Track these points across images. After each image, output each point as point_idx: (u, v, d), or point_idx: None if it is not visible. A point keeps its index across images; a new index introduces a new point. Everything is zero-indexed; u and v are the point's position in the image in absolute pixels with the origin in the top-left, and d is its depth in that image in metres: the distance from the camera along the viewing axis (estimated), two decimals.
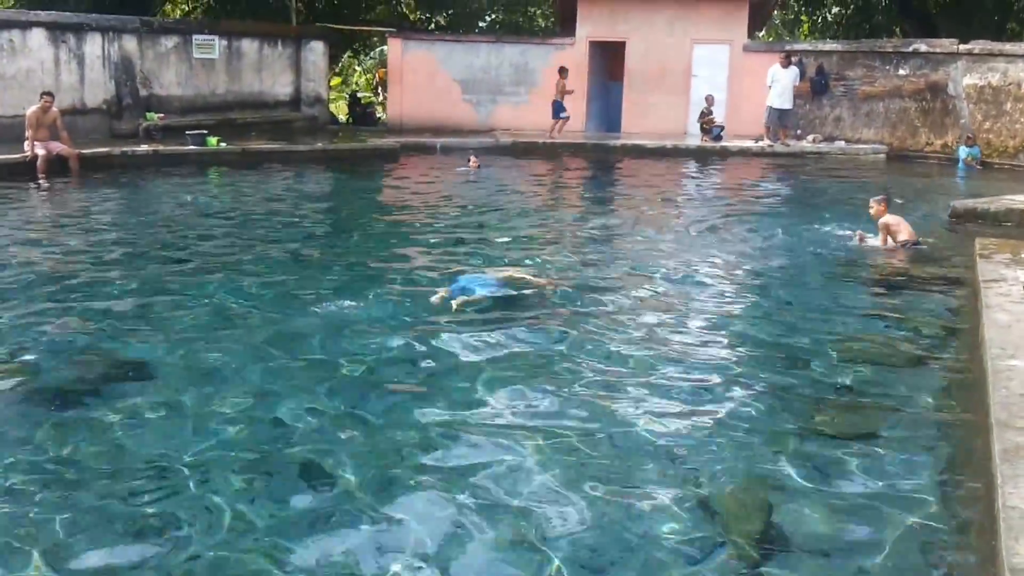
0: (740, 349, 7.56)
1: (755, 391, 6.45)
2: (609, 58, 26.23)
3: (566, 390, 6.35)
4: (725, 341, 7.74)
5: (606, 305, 8.72)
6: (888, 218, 11.31)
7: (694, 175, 20.57)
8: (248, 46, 25.23)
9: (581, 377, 6.63)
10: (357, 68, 44.44)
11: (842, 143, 23.25)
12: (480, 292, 8.54)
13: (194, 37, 23.91)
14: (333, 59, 39.45)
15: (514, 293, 8.72)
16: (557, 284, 9.23)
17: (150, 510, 4.66)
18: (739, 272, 10.40)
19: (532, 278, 9.15)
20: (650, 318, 8.42)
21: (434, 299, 8.49)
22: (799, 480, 5.06)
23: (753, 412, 6.04)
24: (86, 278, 9.43)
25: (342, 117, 34.53)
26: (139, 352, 7.05)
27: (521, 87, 26.05)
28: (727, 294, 9.44)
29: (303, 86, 26.46)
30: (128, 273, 9.65)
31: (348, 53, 39.24)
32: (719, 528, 4.57)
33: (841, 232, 12.16)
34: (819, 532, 4.55)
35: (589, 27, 25.52)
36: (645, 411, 6.01)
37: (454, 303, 8.29)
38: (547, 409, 6.04)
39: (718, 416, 5.96)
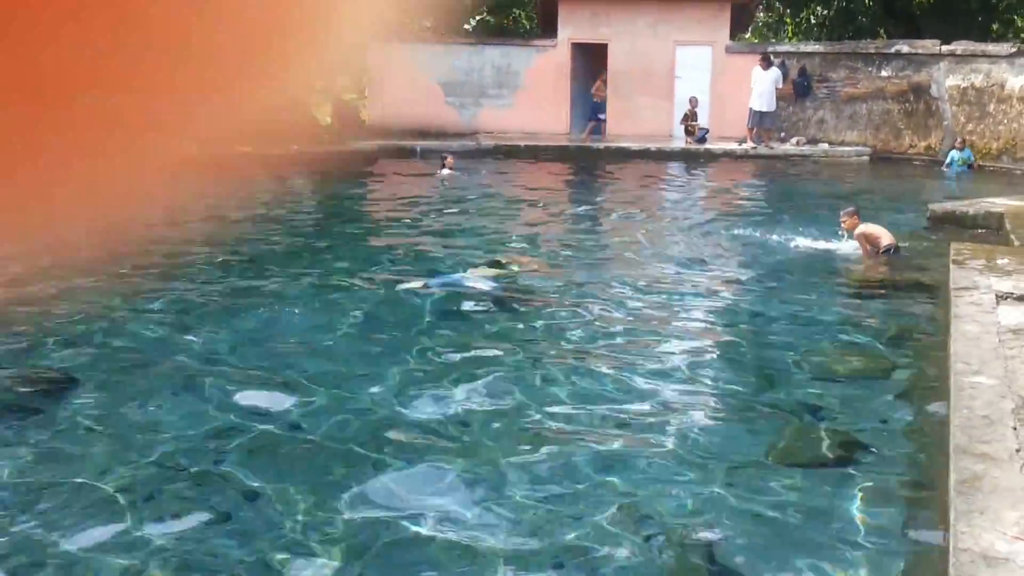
0: (703, 364, 7.42)
1: (715, 412, 6.33)
2: (592, 60, 26.12)
3: (514, 410, 6.23)
4: (688, 355, 7.58)
5: (575, 315, 8.59)
6: (864, 227, 11.13)
7: (678, 178, 20.47)
8: None
9: (529, 395, 6.51)
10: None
11: (825, 145, 23.17)
12: (446, 285, 9.14)
13: None
14: None
15: (484, 288, 9.09)
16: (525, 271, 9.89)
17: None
18: (711, 281, 10.28)
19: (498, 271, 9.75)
20: (617, 327, 8.31)
21: (402, 287, 8.99)
22: (747, 512, 4.88)
23: (711, 437, 5.87)
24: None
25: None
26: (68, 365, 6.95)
27: (504, 89, 25.91)
28: (697, 304, 9.33)
29: None
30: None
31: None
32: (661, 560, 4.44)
33: (821, 239, 12.00)
34: (765, 569, 4.41)
35: (571, 29, 25.39)
36: (595, 430, 5.89)
37: (414, 285, 8.97)
38: (488, 427, 5.91)
39: (670, 438, 5.80)
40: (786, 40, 31.85)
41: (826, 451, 5.65)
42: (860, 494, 5.06)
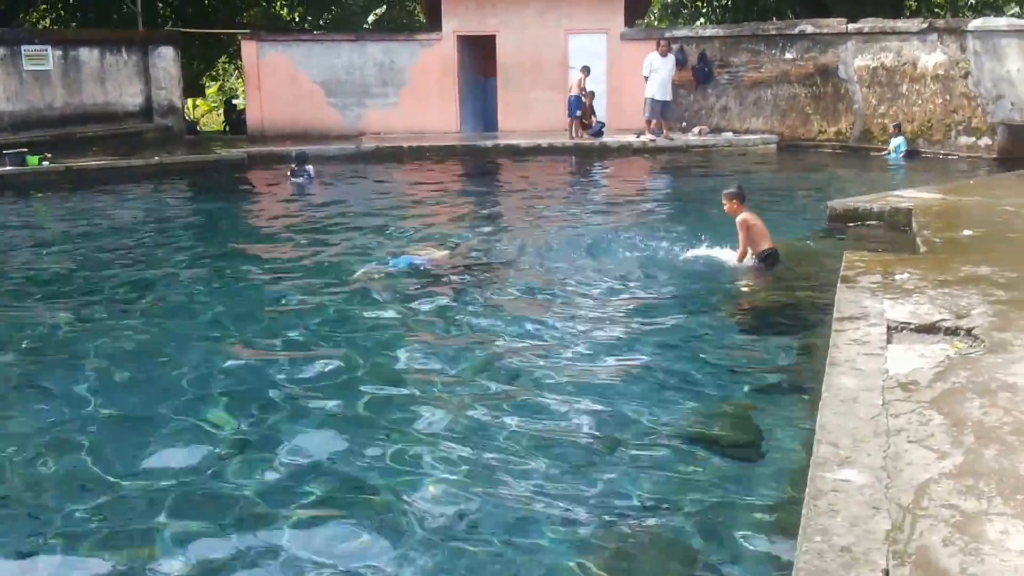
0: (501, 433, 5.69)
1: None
2: (481, 54, 24.41)
3: None
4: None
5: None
6: (747, 216, 9.44)
7: (568, 177, 18.81)
8: (87, 55, 23.00)
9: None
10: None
11: (729, 134, 21.65)
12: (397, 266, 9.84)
13: (23, 48, 21.66)
14: (208, 64, 37.27)
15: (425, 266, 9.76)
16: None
17: None
18: (568, 312, 8.52)
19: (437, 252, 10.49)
20: (434, 364, 6.66)
21: (357, 274, 9.54)
22: None
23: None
24: None
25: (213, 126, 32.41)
26: None
27: (389, 87, 24.10)
28: (532, 345, 7.59)
29: (154, 95, 24.27)
30: None
31: (223, 58, 36.95)
32: None
33: (712, 246, 10.29)
34: None
35: (456, 21, 23.62)
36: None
37: (361, 272, 9.65)
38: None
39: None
40: (688, 24, 30.30)
41: None
42: None
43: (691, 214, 13.25)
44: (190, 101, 40.09)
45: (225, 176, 18.89)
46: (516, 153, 20.66)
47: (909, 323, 5.91)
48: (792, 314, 8.06)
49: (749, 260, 9.39)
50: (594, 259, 10.44)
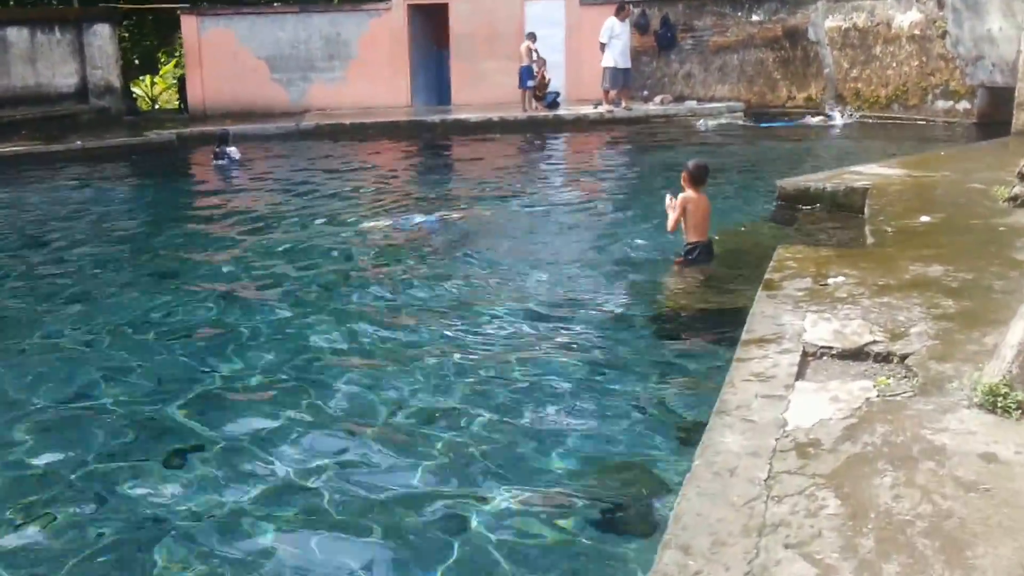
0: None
1: None
2: (435, 23, 23.06)
3: None
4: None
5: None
6: (690, 196, 8.16)
7: (518, 154, 17.51)
8: (15, 34, 21.65)
9: None
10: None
11: (693, 103, 20.34)
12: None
13: None
14: (163, 40, 35.74)
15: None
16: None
17: None
18: (494, 314, 7.30)
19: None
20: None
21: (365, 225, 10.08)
22: None
23: None
24: None
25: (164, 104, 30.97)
26: None
27: (335, 61, 22.79)
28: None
29: (90, 75, 22.87)
30: None
31: (179, 33, 35.37)
32: None
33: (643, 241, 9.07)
34: None
35: None
36: None
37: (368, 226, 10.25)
38: None
39: None
40: None
41: None
42: None
43: (641, 194, 12.03)
44: (147, 79, 38.68)
45: (151, 159, 17.55)
46: (465, 129, 19.37)
47: (831, 347, 4.72)
48: (708, 327, 6.82)
49: (704, 234, 8.15)
50: (512, 252, 9.23)
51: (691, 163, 8.39)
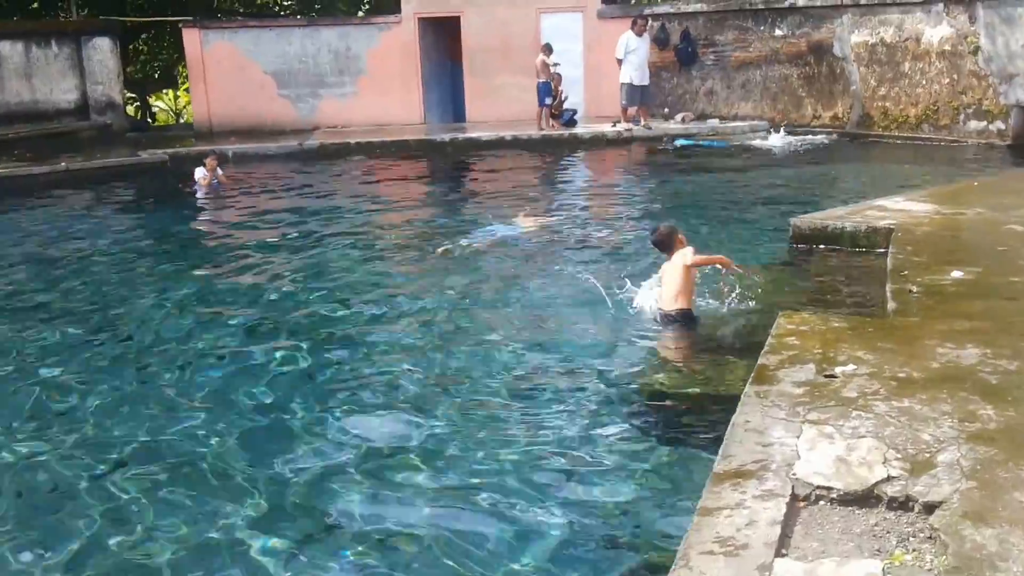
0: None
1: None
2: (448, 36, 22.32)
3: None
4: None
5: None
6: (691, 253, 7.34)
7: (531, 175, 16.67)
8: (10, 48, 21.15)
9: None
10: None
11: (715, 122, 19.51)
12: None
13: None
14: (184, 53, 35.12)
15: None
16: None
17: None
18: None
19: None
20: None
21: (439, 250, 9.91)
22: None
23: None
24: None
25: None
26: None
27: (345, 76, 22.13)
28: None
29: (90, 90, 22.32)
30: None
31: None
32: None
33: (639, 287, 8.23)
34: None
35: (415, 2, 21.54)
36: None
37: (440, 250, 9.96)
38: None
39: None
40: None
41: None
42: None
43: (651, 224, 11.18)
44: (170, 92, 38.12)
45: (140, 182, 16.83)
46: (476, 147, 18.63)
47: (830, 488, 3.64)
48: (690, 419, 5.89)
49: (671, 304, 7.28)
50: (493, 290, 8.46)
51: (660, 226, 7.69)
